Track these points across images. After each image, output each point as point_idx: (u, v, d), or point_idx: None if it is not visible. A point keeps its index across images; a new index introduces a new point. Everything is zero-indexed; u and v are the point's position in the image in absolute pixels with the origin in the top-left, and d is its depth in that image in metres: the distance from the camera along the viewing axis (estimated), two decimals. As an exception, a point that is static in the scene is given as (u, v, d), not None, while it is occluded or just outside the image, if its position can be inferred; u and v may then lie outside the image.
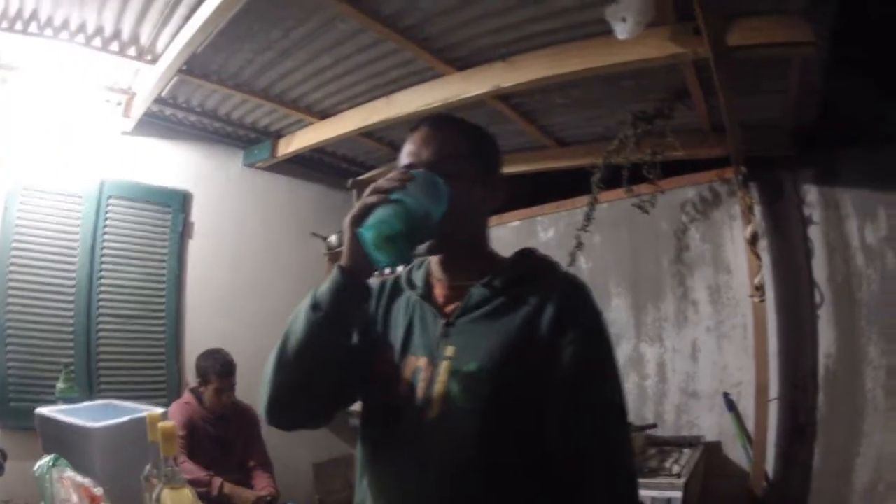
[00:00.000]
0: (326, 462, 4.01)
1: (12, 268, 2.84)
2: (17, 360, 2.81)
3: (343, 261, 0.95)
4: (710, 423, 2.98)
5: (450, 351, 0.99)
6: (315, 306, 0.94)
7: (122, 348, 3.16)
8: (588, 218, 2.93)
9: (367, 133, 3.42)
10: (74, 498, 1.34)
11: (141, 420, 1.51)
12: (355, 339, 1.06)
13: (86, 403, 2.16)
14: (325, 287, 0.95)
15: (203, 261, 3.60)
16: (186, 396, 2.90)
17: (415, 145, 1.03)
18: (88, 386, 2.96)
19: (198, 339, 3.31)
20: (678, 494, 2.29)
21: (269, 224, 4.03)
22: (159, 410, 1.50)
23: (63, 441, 1.64)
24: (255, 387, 0.98)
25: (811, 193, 2.85)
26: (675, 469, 2.44)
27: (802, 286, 2.85)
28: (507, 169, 2.45)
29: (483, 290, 1.01)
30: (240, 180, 3.91)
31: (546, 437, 0.94)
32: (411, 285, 1.11)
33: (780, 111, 2.73)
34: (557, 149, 3.47)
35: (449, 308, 1.04)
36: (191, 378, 3.08)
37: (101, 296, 3.11)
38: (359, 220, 0.91)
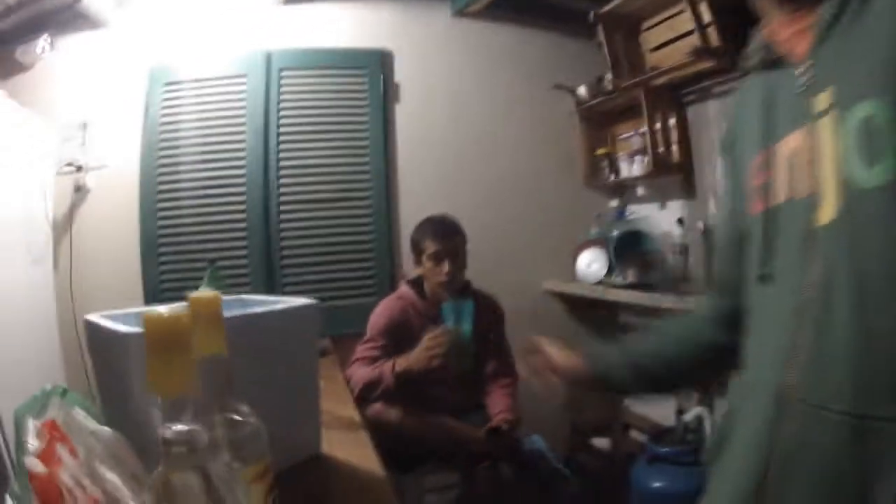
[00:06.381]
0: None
1: (161, 169, 2.63)
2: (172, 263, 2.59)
3: None
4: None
5: (823, 98, 0.63)
6: None
7: (311, 240, 2.74)
8: None
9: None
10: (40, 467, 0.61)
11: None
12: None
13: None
14: None
15: (414, 128, 3.04)
16: (401, 290, 2.21)
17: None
18: (269, 288, 2.56)
19: (413, 221, 2.51)
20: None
21: (495, 79, 3.29)
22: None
23: (104, 355, 1.02)
24: (489, 269, 0.09)
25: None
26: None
27: None
28: None
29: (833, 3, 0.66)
30: (448, 32, 3.24)
31: None
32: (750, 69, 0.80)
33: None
34: None
35: (799, 49, 0.70)
36: (409, 269, 2.43)
37: (282, 180, 2.69)
38: None
